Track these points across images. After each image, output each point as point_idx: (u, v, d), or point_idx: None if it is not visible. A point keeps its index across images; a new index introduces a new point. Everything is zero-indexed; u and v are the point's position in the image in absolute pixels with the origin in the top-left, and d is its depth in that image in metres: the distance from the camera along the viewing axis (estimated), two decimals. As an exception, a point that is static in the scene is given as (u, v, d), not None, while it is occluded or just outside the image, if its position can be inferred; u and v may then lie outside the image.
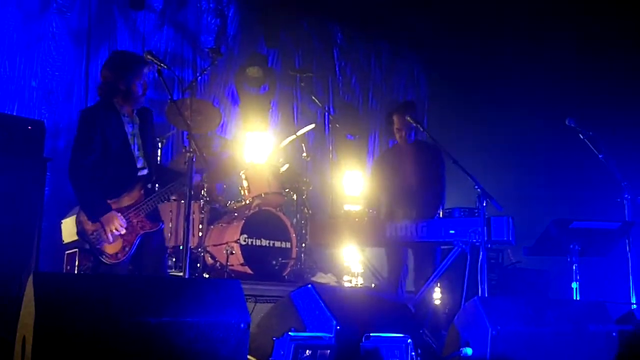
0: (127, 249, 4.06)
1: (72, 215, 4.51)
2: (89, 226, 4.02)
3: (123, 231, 4.04)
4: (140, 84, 4.16)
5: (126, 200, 4.13)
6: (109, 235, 3.98)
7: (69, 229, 5.02)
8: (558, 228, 4.80)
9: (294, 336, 3.47)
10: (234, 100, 7.66)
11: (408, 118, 5.29)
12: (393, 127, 5.48)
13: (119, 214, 4.04)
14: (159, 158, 6.01)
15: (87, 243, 4.04)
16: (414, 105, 5.66)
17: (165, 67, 4.37)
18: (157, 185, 4.32)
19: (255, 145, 6.72)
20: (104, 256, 4.01)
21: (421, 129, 5.42)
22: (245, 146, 6.72)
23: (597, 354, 4.06)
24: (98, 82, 4.22)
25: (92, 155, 4.04)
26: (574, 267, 4.84)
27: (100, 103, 4.20)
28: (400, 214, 5.28)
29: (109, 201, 4.06)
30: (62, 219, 5.34)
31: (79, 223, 4.06)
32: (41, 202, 4.61)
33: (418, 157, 5.42)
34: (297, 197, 6.47)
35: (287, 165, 6.46)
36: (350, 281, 6.21)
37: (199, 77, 6.83)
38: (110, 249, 4.03)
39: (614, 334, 4.16)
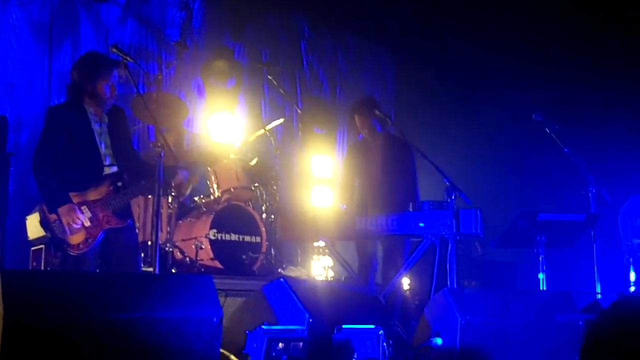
0: (90, 240, 4.06)
1: (38, 211, 4.46)
2: (52, 215, 4.03)
3: (88, 223, 4.03)
4: (108, 86, 4.19)
5: (92, 195, 4.13)
6: (66, 227, 3.98)
7: (34, 225, 4.94)
8: (525, 220, 4.86)
9: (267, 329, 3.48)
10: (200, 93, 7.58)
11: (377, 112, 5.30)
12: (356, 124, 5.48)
13: (79, 207, 4.03)
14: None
15: (50, 232, 4.06)
16: (373, 100, 5.61)
17: (131, 60, 4.42)
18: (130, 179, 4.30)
19: (222, 126, 6.64)
20: (65, 245, 4.02)
21: (389, 123, 5.44)
22: (212, 127, 6.64)
23: (564, 343, 4.14)
24: (62, 76, 4.24)
25: (56, 151, 4.09)
26: (540, 259, 4.92)
27: (68, 102, 4.27)
28: (372, 207, 5.29)
29: (72, 194, 4.06)
30: (27, 215, 5.25)
31: (41, 211, 4.09)
32: (5, 198, 4.53)
33: (387, 151, 5.41)
34: (266, 192, 6.45)
35: (255, 160, 6.42)
36: (321, 275, 6.22)
37: (165, 71, 6.76)
38: (73, 239, 4.03)
39: (580, 323, 4.25)
